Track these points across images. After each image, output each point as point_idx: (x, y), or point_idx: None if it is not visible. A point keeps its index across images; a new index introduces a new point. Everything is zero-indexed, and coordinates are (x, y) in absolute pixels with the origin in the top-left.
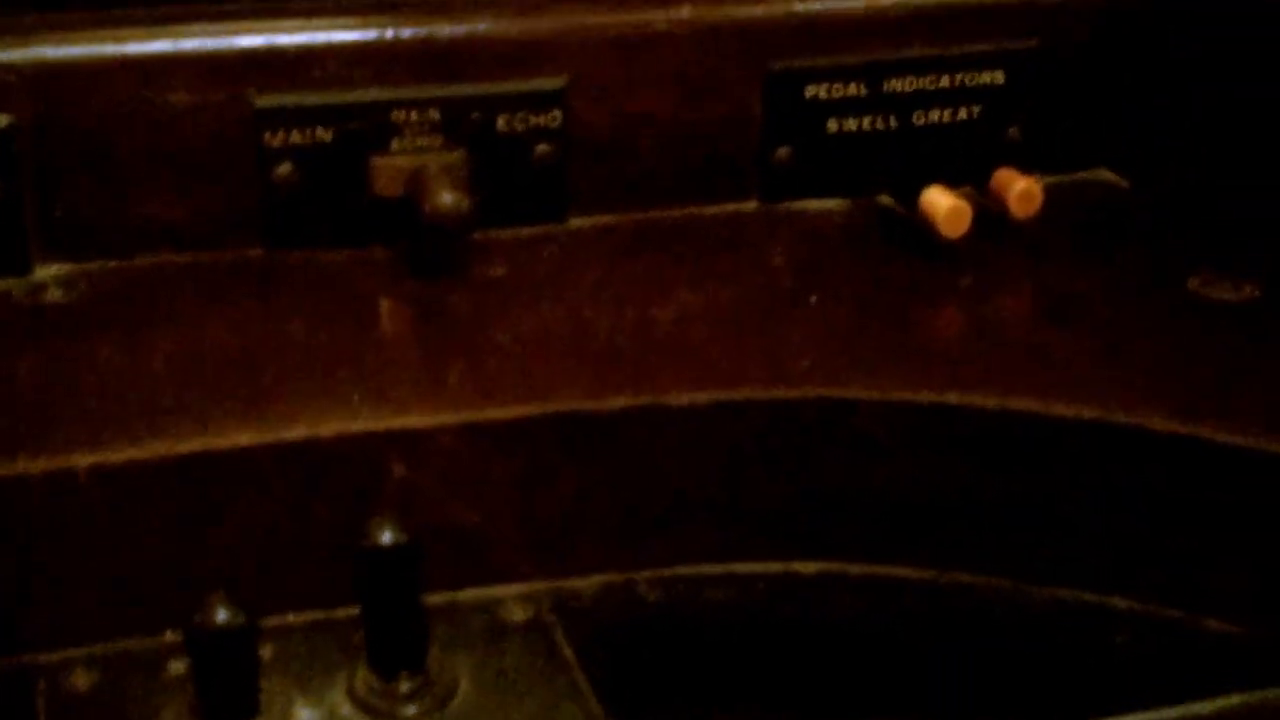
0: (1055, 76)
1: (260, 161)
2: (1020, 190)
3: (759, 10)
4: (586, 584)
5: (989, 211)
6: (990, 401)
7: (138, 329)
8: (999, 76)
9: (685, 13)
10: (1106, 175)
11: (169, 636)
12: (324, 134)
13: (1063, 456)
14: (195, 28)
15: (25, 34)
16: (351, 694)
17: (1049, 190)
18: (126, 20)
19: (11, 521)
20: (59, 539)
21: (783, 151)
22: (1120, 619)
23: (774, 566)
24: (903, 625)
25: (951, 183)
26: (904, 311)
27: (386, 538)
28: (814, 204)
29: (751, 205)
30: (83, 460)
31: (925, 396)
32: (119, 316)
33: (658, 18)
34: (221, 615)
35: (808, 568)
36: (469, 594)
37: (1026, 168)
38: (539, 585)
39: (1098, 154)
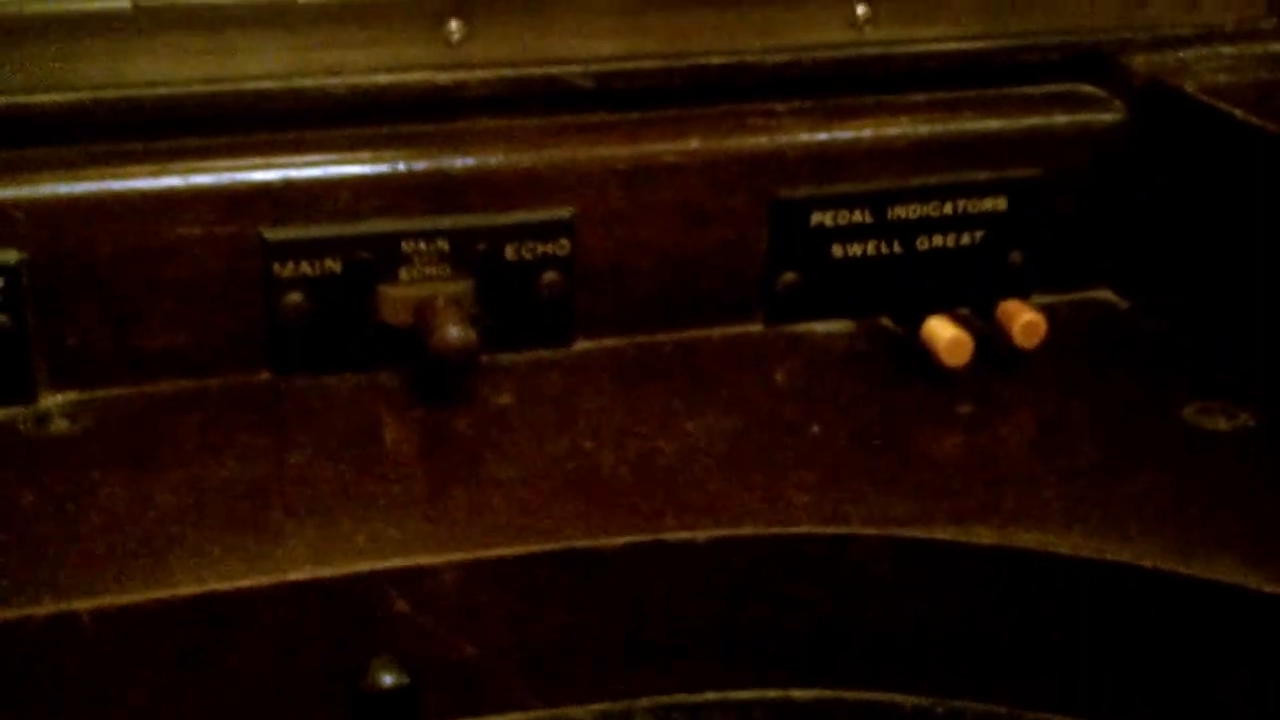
0: (1057, 202)
1: (269, 291)
2: (1025, 322)
3: (765, 140)
4: (585, 712)
5: (990, 337)
6: (986, 538)
7: (143, 461)
8: (1001, 203)
9: (693, 144)
10: (1107, 294)
11: None
12: (333, 264)
13: (1057, 591)
14: (207, 163)
15: (35, 169)
16: None
17: (1049, 309)
18: (138, 155)
19: (14, 663)
20: (60, 680)
21: (788, 276)
22: None
23: (771, 693)
24: None
25: (954, 305)
26: (904, 440)
27: (387, 680)
28: (818, 326)
29: (757, 327)
30: (85, 604)
31: (921, 533)
32: (125, 448)
33: (666, 149)
34: None
35: (805, 694)
36: None
37: (1028, 289)
38: (539, 714)
39: (1098, 274)
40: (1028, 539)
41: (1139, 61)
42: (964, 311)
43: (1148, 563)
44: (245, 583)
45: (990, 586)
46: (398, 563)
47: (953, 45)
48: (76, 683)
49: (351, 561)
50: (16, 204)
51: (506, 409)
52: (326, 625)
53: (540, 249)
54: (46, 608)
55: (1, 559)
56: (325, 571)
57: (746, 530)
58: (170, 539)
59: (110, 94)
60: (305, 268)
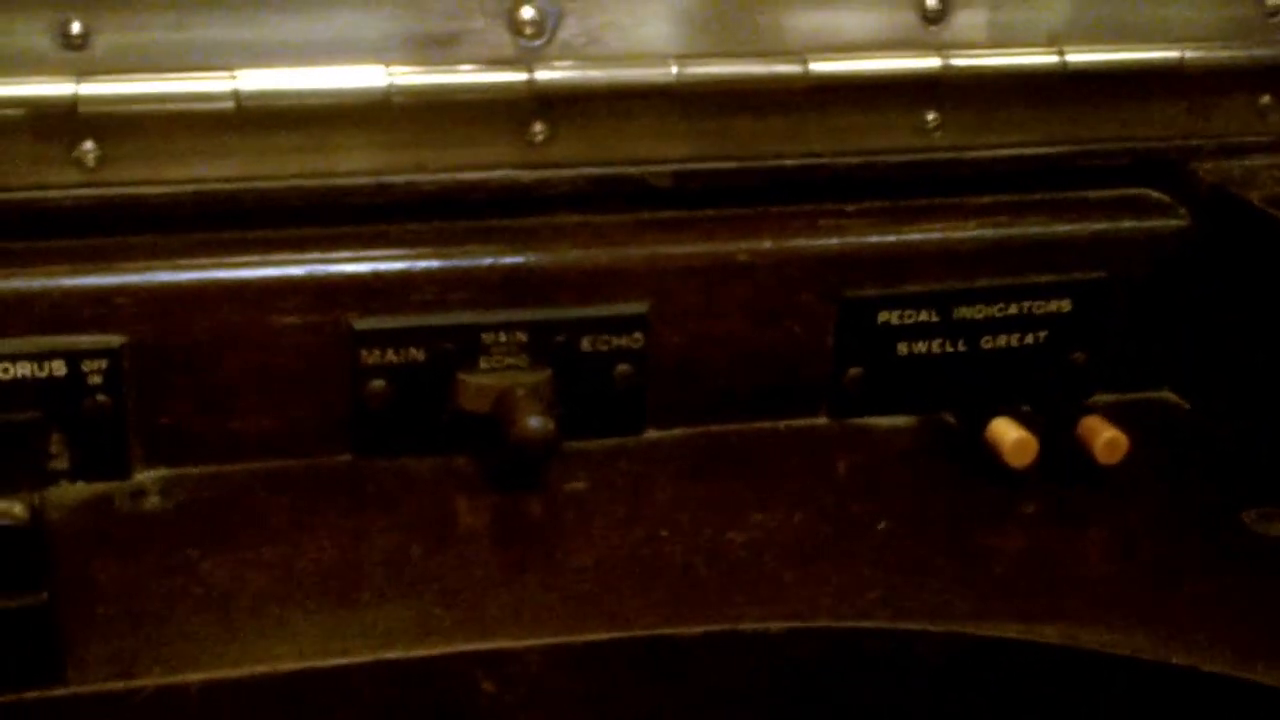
0: (1121, 305)
1: (355, 378)
2: (1108, 440)
3: (834, 241)
4: None
5: (1052, 438)
6: (1052, 637)
7: (236, 539)
8: (1066, 305)
9: (766, 243)
10: (1168, 396)
11: None
12: (417, 353)
13: (1121, 692)
14: (301, 255)
15: (139, 257)
16: None
17: (1110, 409)
18: (236, 246)
19: None
20: None
21: (854, 372)
22: None
23: None
24: None
25: (1016, 403)
26: (968, 538)
27: None
28: (882, 421)
29: (822, 421)
30: (194, 677)
31: (988, 630)
32: (217, 525)
33: (739, 248)
34: None
35: None
36: None
37: (1090, 389)
38: None
39: (1160, 376)
40: (1092, 639)
41: (1205, 169)
42: (1026, 409)
43: (1209, 667)
44: (343, 660)
45: (1055, 685)
46: (485, 645)
47: (1020, 151)
48: None
49: (442, 643)
50: (121, 290)
51: (580, 495)
52: (418, 702)
53: (615, 342)
54: (156, 679)
55: (108, 630)
56: (418, 652)
57: (819, 623)
58: (268, 616)
59: (212, 187)
60: (390, 356)
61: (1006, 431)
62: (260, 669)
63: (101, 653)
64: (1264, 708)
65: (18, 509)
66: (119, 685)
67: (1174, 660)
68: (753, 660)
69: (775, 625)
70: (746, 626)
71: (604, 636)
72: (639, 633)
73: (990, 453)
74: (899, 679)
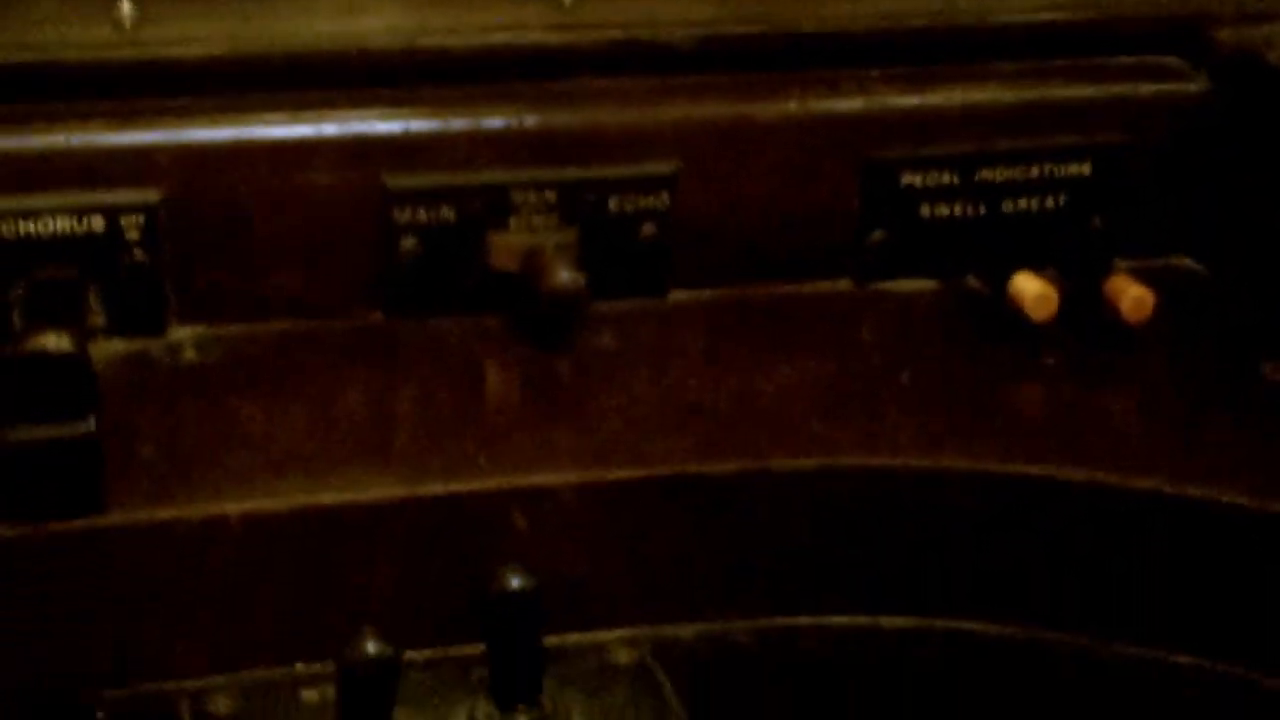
0: (1140, 170)
1: (387, 236)
2: (1135, 297)
3: (859, 104)
4: (686, 631)
5: (1075, 298)
6: (1076, 475)
7: (272, 390)
8: (1085, 169)
9: (791, 107)
10: (1185, 262)
11: (299, 668)
12: (448, 212)
13: (1139, 526)
14: (334, 113)
15: (177, 116)
16: None
17: (1130, 274)
18: (270, 105)
19: (166, 560)
20: (207, 578)
21: (877, 235)
22: (1188, 675)
23: (862, 620)
24: (985, 678)
25: (1035, 266)
26: (992, 388)
27: (515, 583)
28: (905, 285)
29: (845, 285)
30: (234, 508)
31: (1014, 469)
32: (253, 377)
33: (765, 111)
34: (373, 647)
35: (894, 622)
36: (576, 637)
37: (1108, 254)
38: (642, 631)
39: (1178, 241)
40: (1112, 476)
41: (1224, 35)
42: (1048, 274)
43: (1228, 498)
44: (380, 494)
45: (1075, 521)
46: (520, 481)
47: (1042, 15)
48: (221, 581)
49: (476, 479)
50: (159, 147)
51: (608, 352)
52: (452, 537)
53: (642, 202)
54: (199, 510)
55: (149, 470)
56: (454, 487)
57: (849, 461)
58: (307, 456)
59: (247, 48)
60: (422, 215)
61: (1028, 284)
62: (300, 501)
63: (143, 489)
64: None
65: (65, 340)
66: (162, 515)
67: (1193, 493)
68: (783, 500)
69: (806, 463)
70: (778, 464)
71: (636, 474)
72: (671, 470)
73: (1013, 308)
74: (926, 519)
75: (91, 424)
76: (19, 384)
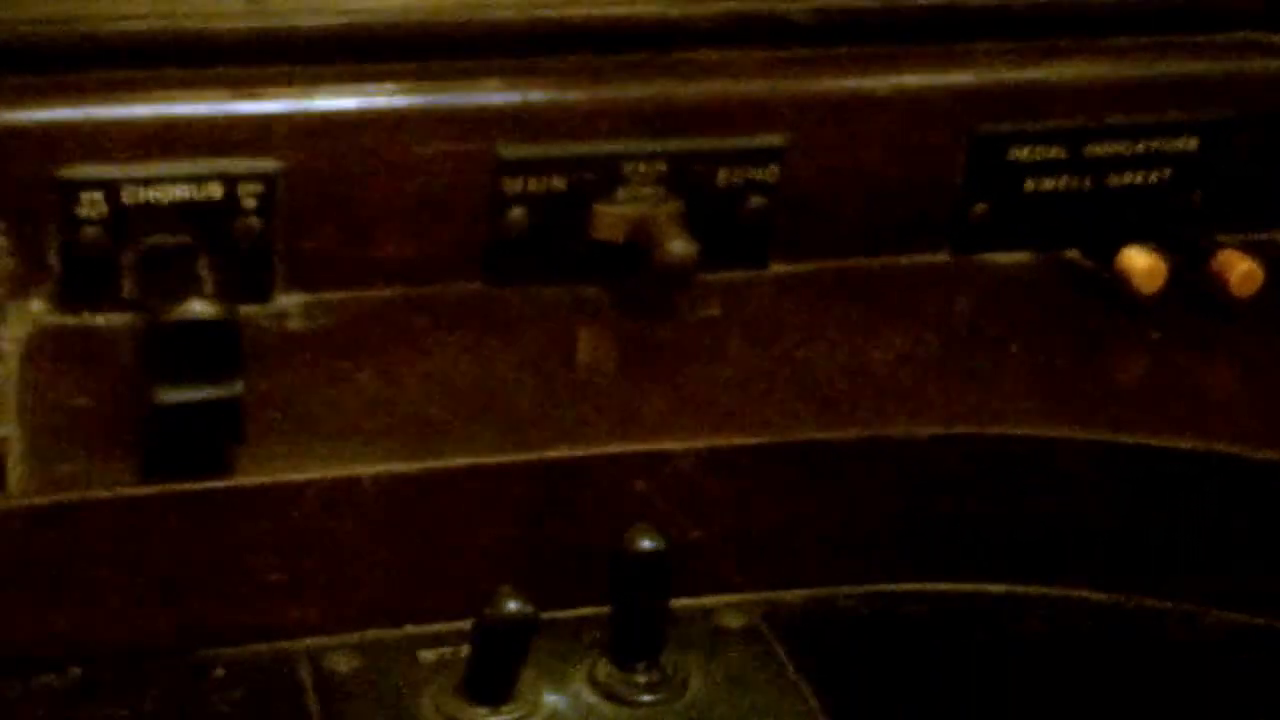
0: (1245, 145)
1: (495, 205)
2: (1244, 271)
3: (969, 77)
4: (794, 596)
5: (1180, 273)
6: (1185, 444)
7: (381, 354)
8: (1192, 144)
9: (901, 80)
10: None
11: (415, 629)
12: (558, 182)
13: (1248, 495)
14: (450, 83)
15: (296, 85)
16: (593, 682)
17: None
18: (387, 76)
19: (295, 521)
20: (335, 539)
21: (979, 207)
22: None
23: (965, 586)
24: (1086, 645)
25: (1138, 241)
26: (1103, 359)
27: (647, 543)
28: (1003, 257)
29: (942, 257)
30: (367, 470)
31: (1123, 437)
32: (363, 342)
33: (876, 84)
34: (513, 605)
35: (997, 588)
36: (687, 602)
37: (1211, 229)
38: (750, 596)
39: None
40: (1228, 447)
41: None
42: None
43: None
44: (506, 458)
45: (1184, 490)
46: (640, 447)
47: None
48: (345, 543)
49: (597, 444)
50: (279, 117)
51: (712, 321)
52: (571, 501)
53: (751, 174)
54: (332, 471)
55: (275, 433)
56: (576, 452)
57: (962, 429)
58: (426, 420)
59: (364, 18)
60: (532, 184)
61: (1137, 257)
62: (432, 464)
63: (272, 452)
64: None
65: (215, 304)
66: (297, 477)
67: None
68: (896, 467)
69: (921, 431)
70: (893, 432)
71: (755, 440)
72: (790, 437)
73: (1120, 281)
74: (1035, 488)
75: (239, 386)
76: (171, 348)
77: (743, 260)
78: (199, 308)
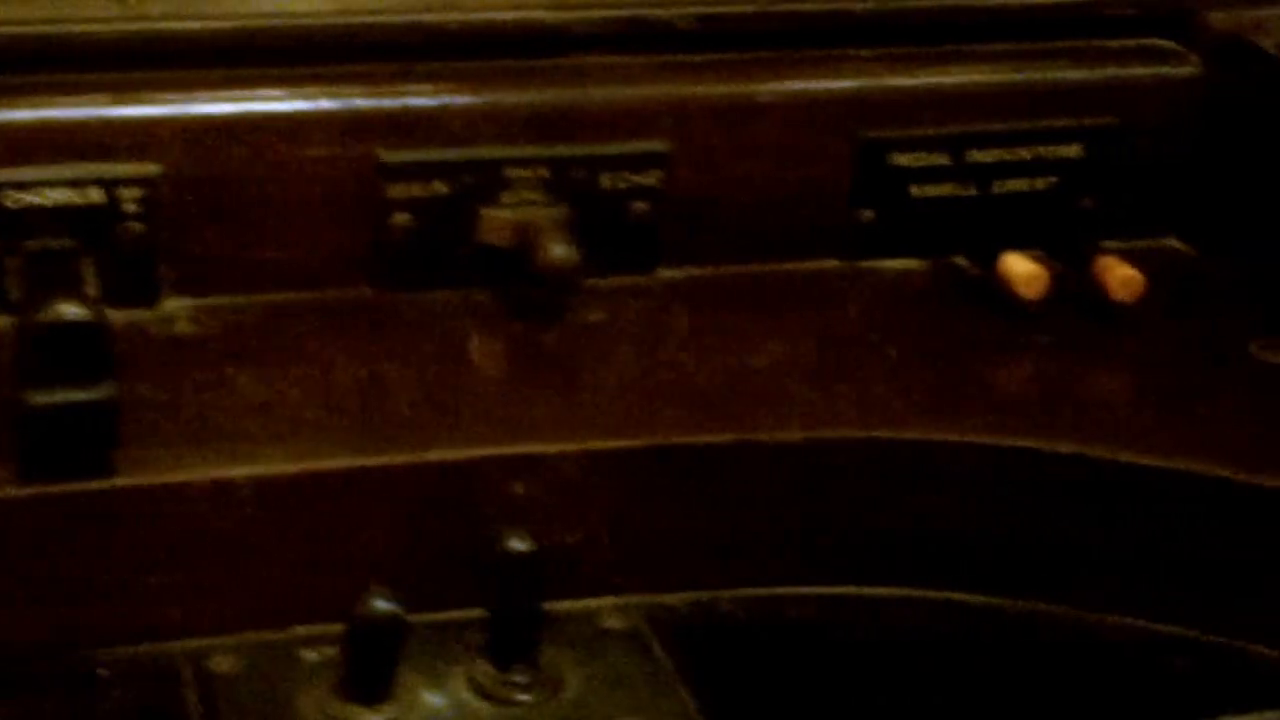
0: (1131, 152)
1: (380, 211)
2: (1124, 276)
3: (852, 83)
4: (677, 599)
5: (1064, 278)
6: (1065, 448)
7: (267, 359)
8: (1077, 150)
9: (784, 86)
10: (1175, 244)
11: (299, 630)
12: (441, 186)
13: (1126, 498)
14: (332, 89)
15: (177, 90)
16: (471, 682)
17: (1120, 255)
18: (269, 81)
19: (173, 523)
20: (213, 541)
21: (866, 214)
22: (1177, 646)
23: (850, 590)
24: (971, 649)
25: (1024, 247)
26: (983, 364)
27: (519, 545)
28: (893, 264)
29: (832, 264)
30: (244, 472)
31: (1002, 440)
32: (247, 347)
33: (759, 90)
34: (382, 605)
35: (879, 592)
36: (568, 604)
37: (1098, 236)
38: (632, 599)
39: (1168, 224)
40: (1101, 449)
41: (1217, 18)
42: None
43: (1217, 472)
44: (385, 460)
45: (1063, 493)
46: (518, 450)
47: None
48: (226, 545)
49: (475, 447)
50: (160, 121)
51: (597, 327)
52: (451, 504)
53: (634, 179)
54: (210, 474)
55: (155, 436)
56: (454, 454)
57: (840, 433)
58: (307, 423)
59: (245, 23)
60: (416, 189)
61: (1018, 264)
62: (309, 466)
63: (149, 455)
64: (1270, 512)
65: (82, 306)
66: (175, 478)
67: (1179, 466)
68: (774, 471)
69: (796, 434)
70: (769, 436)
71: (633, 444)
72: (667, 440)
73: (1002, 287)
74: (916, 492)
75: (111, 389)
76: (40, 350)
77: (631, 266)
78: (68, 310)
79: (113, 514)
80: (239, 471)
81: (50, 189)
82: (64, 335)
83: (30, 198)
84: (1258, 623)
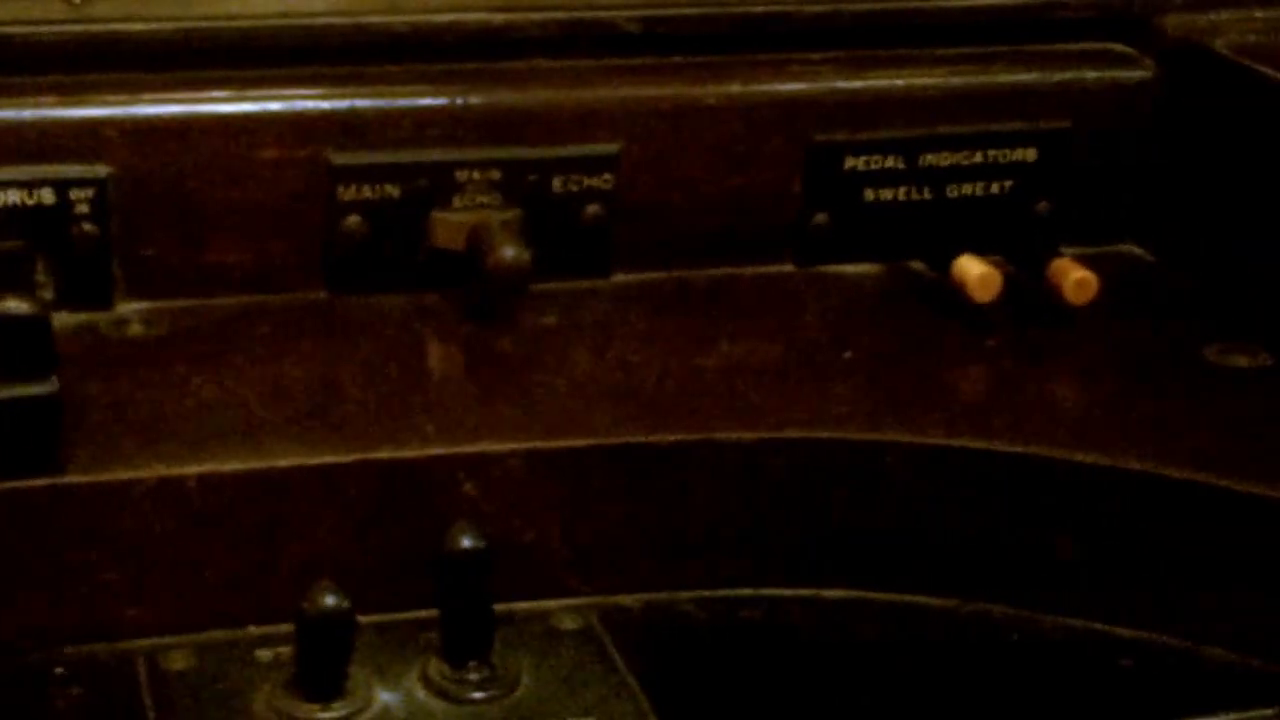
0: (1085, 156)
1: (331, 213)
2: (1078, 279)
3: (802, 86)
4: (632, 600)
5: (1019, 283)
6: (1013, 448)
7: (220, 362)
8: (1030, 154)
9: (734, 88)
10: (1132, 249)
11: (253, 630)
12: (392, 189)
13: (1077, 499)
14: (280, 91)
15: (126, 91)
16: (425, 680)
17: (1076, 260)
18: (217, 83)
19: (122, 521)
20: (163, 539)
21: (820, 218)
22: (1125, 646)
23: (803, 591)
24: (923, 650)
25: (981, 252)
26: (934, 366)
27: (467, 542)
28: (848, 268)
29: (787, 268)
30: (191, 470)
31: (954, 441)
32: (200, 349)
33: (707, 92)
34: (330, 600)
35: (835, 594)
36: (523, 605)
37: (1054, 240)
38: (587, 600)
39: (1124, 228)
40: (1052, 450)
41: (1170, 22)
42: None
43: (1169, 472)
44: (332, 459)
45: (1014, 494)
46: (468, 449)
47: (987, 1)
48: (176, 543)
49: (425, 446)
50: (108, 121)
51: (551, 330)
52: (400, 503)
53: (586, 182)
54: (156, 472)
55: (103, 435)
56: (404, 453)
57: (791, 434)
58: (258, 423)
59: (193, 25)
60: (366, 191)
61: (971, 266)
62: (256, 464)
63: (99, 453)
64: (1221, 512)
65: (27, 302)
66: (120, 475)
67: (1131, 467)
68: (726, 472)
69: (748, 435)
70: (720, 436)
71: (581, 443)
72: (615, 440)
73: (956, 290)
74: (868, 493)
75: (54, 383)
76: None
77: (585, 270)
78: (8, 305)
79: (61, 512)
80: (188, 469)
81: (1, 190)
82: (4, 329)
83: None
84: (1209, 623)
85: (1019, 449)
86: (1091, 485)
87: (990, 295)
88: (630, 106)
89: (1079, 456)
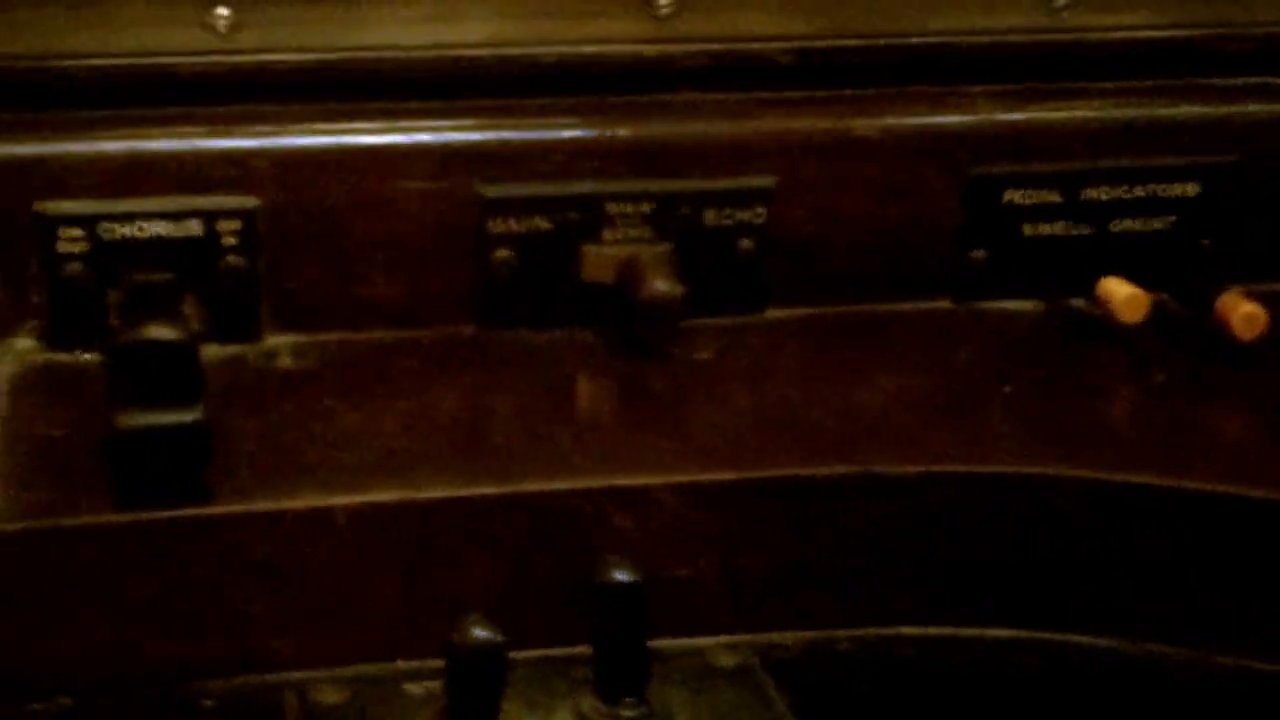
0: (1250, 191)
1: (481, 247)
2: (1245, 313)
3: (961, 118)
4: (789, 638)
5: (1177, 316)
6: (1188, 484)
7: (368, 395)
8: (1193, 189)
9: (892, 121)
10: None
11: (400, 664)
12: (543, 222)
13: (1246, 535)
14: (430, 123)
15: (275, 122)
16: (579, 717)
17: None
18: (367, 114)
19: (272, 552)
20: (312, 571)
21: (978, 253)
22: None
23: (966, 631)
24: (1087, 691)
25: (1145, 289)
26: (1098, 402)
27: (620, 575)
28: (1007, 304)
29: (945, 304)
30: (340, 501)
31: (1125, 477)
32: (348, 382)
33: (864, 125)
34: (480, 633)
35: (999, 634)
36: (676, 642)
37: (1218, 276)
38: (743, 637)
39: None
40: (1220, 485)
41: None
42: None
43: None
44: (482, 490)
45: (1187, 529)
46: (619, 481)
47: (1149, 33)
48: (325, 574)
49: (575, 479)
50: (257, 153)
51: (706, 364)
52: (551, 537)
53: (739, 215)
54: (305, 502)
55: (253, 464)
56: (553, 485)
57: (952, 467)
58: (407, 455)
59: (344, 56)
60: (516, 225)
61: (1118, 287)
62: (405, 495)
63: (247, 484)
64: None
65: (173, 329)
66: (270, 506)
67: None
68: (885, 505)
69: (909, 468)
70: (879, 469)
71: (737, 476)
72: (771, 473)
73: (1101, 309)
74: (1029, 528)
75: (201, 411)
76: (130, 372)
77: (740, 305)
78: (155, 331)
79: (211, 542)
80: (336, 500)
81: (148, 221)
82: (151, 356)
83: (128, 230)
84: None
85: (1193, 486)
86: (1261, 521)
87: (1137, 316)
88: (784, 139)
89: (1249, 492)
